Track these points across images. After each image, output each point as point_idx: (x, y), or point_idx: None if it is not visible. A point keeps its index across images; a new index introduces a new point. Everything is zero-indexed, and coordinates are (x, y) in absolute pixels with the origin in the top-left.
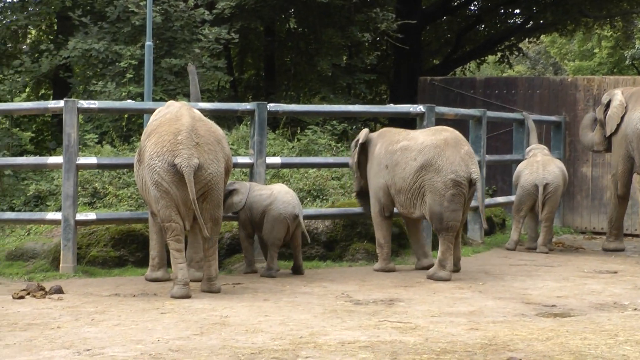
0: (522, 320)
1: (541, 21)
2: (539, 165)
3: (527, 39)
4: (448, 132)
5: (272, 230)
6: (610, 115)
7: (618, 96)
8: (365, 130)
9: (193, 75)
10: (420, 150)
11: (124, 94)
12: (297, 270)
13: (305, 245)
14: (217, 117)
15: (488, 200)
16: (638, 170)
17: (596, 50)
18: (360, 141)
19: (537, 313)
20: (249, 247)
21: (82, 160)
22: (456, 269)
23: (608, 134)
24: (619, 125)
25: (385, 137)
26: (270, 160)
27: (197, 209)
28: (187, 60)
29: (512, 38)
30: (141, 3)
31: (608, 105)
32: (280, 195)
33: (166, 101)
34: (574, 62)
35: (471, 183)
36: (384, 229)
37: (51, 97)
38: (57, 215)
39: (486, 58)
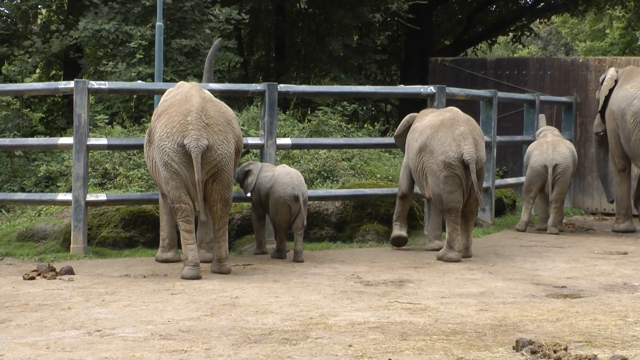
0: (532, 301)
1: (552, 1)
2: (548, 146)
3: (538, 20)
4: (449, 113)
5: (276, 212)
6: (600, 90)
7: (609, 73)
8: (411, 114)
9: (215, 49)
10: (421, 131)
11: (134, 74)
12: (295, 256)
13: (313, 227)
14: (228, 97)
15: (498, 182)
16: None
17: (608, 31)
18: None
19: (547, 294)
20: (260, 229)
21: (93, 141)
22: (466, 254)
23: (599, 109)
24: (607, 100)
25: (416, 118)
26: (280, 141)
27: (199, 191)
28: (198, 40)
29: (524, 18)
30: None
31: (601, 83)
32: (280, 177)
33: (176, 82)
34: (585, 42)
35: (465, 164)
36: (401, 206)
37: (62, 77)
38: (68, 196)
39: (497, 38)
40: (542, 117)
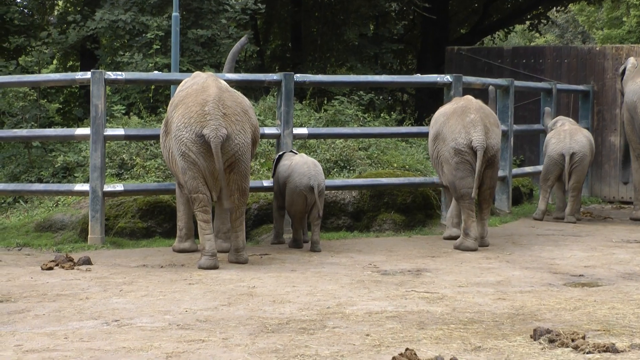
0: (549, 290)
1: None
2: (566, 134)
3: (555, 8)
4: (462, 101)
5: (292, 202)
6: (623, 80)
7: (630, 62)
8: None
9: (240, 46)
10: (436, 120)
11: (150, 65)
12: (312, 246)
13: (330, 217)
14: (244, 87)
15: (515, 170)
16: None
17: (625, 19)
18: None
19: (565, 283)
20: (278, 218)
21: (110, 131)
22: (482, 243)
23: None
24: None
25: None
26: (297, 130)
27: (223, 180)
28: (214, 31)
29: (540, 7)
30: None
31: (623, 73)
32: (297, 167)
33: (193, 72)
34: (602, 30)
35: (474, 151)
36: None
37: (78, 68)
38: (85, 187)
39: (514, 27)
40: (547, 111)
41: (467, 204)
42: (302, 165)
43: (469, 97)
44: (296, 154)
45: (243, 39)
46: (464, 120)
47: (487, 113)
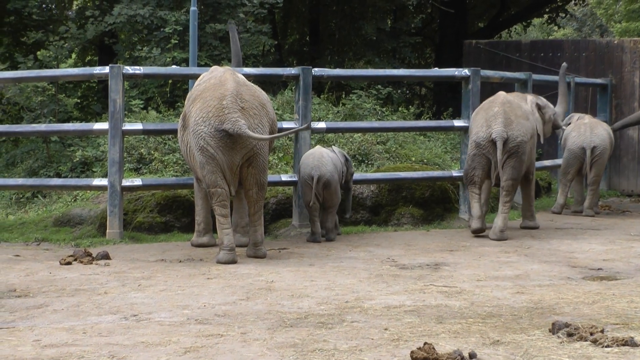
0: (568, 284)
1: None
2: (586, 128)
3: (573, 1)
4: (495, 96)
5: (302, 194)
6: None
7: None
8: None
9: (233, 32)
10: (471, 117)
11: (168, 59)
12: (325, 235)
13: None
14: (262, 82)
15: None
16: None
17: None
18: None
19: (584, 276)
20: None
21: (128, 126)
22: (501, 237)
23: None
24: None
25: None
26: (315, 125)
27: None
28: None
29: (558, 0)
30: None
31: None
32: (305, 159)
33: (211, 66)
34: (620, 23)
35: (493, 143)
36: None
37: (97, 63)
38: (104, 182)
39: (532, 20)
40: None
41: (470, 187)
42: (308, 157)
43: (501, 92)
44: (331, 148)
45: (231, 26)
46: (487, 114)
47: (513, 107)
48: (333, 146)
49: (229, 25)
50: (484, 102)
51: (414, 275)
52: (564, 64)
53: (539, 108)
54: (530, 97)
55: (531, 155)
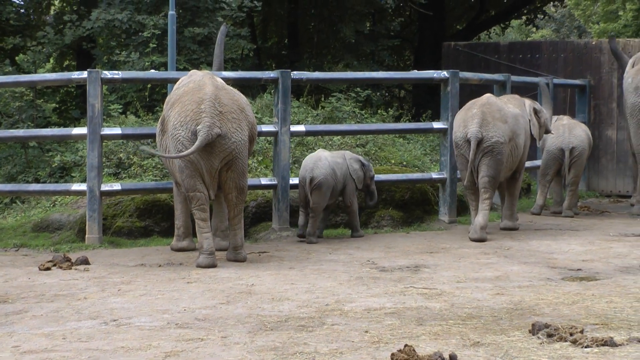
0: (547, 285)
1: None
2: (565, 129)
3: (551, 2)
4: (480, 98)
5: (298, 195)
6: None
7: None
8: None
9: (222, 35)
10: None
11: (147, 63)
12: (306, 237)
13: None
14: (241, 85)
15: None
16: None
17: (621, 13)
18: None
19: (563, 277)
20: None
21: (107, 130)
22: (479, 235)
23: None
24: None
25: None
26: (294, 128)
27: (158, 154)
28: (211, 29)
29: (537, 1)
30: None
31: None
32: (304, 162)
33: (189, 70)
34: (598, 24)
35: (469, 143)
36: None
37: (75, 68)
38: (82, 187)
39: (510, 22)
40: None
41: (467, 194)
42: (307, 159)
43: (487, 95)
44: (342, 153)
45: (222, 27)
46: (467, 114)
47: (494, 109)
48: (346, 151)
49: (221, 27)
50: (467, 103)
51: (394, 278)
52: (542, 80)
53: (535, 112)
54: (529, 102)
55: (522, 157)
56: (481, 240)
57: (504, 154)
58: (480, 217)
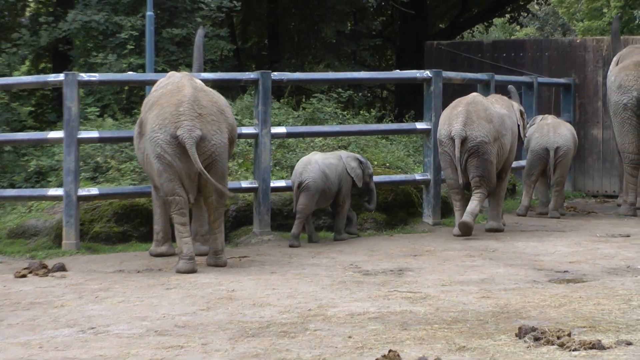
0: (534, 287)
1: None
2: (549, 128)
3: (535, 0)
4: (466, 96)
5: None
6: None
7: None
8: None
9: (200, 37)
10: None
11: (125, 65)
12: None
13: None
14: (221, 87)
15: None
16: None
17: (605, 10)
18: None
19: (550, 279)
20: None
21: (84, 134)
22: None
23: None
24: None
25: None
26: (275, 130)
27: (209, 180)
28: (189, 30)
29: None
30: None
31: None
32: (296, 166)
33: (168, 72)
34: (582, 22)
35: (453, 141)
36: None
37: (51, 70)
38: (59, 191)
39: (493, 20)
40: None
41: (451, 193)
42: (298, 163)
43: (473, 94)
44: (338, 154)
45: (200, 29)
46: (452, 112)
47: (479, 108)
48: (342, 151)
49: (200, 29)
50: (454, 101)
51: (377, 282)
52: (511, 87)
53: (521, 114)
54: (517, 105)
55: (508, 158)
56: (467, 225)
57: (491, 154)
58: (472, 205)
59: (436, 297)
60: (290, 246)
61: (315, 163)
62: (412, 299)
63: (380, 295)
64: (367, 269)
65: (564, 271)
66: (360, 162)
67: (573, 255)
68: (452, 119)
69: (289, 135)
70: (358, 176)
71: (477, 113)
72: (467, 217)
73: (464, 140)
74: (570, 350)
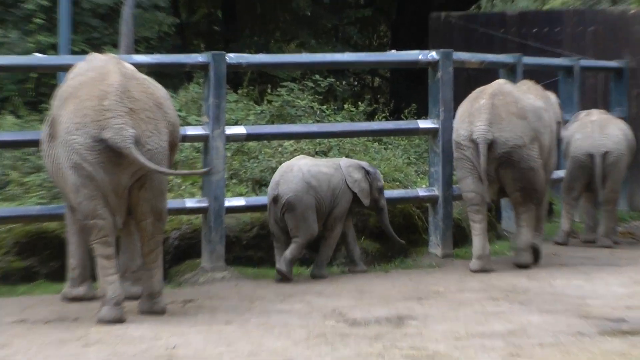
0: (579, 342)
1: None
2: (594, 127)
3: None
4: (489, 85)
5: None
6: None
7: None
8: None
9: (129, 8)
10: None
11: (31, 45)
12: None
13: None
14: (159, 73)
15: None
16: None
17: None
18: None
19: (600, 331)
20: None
21: None
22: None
23: None
24: None
25: None
26: (231, 130)
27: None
28: None
29: None
30: None
31: None
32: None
33: (89, 54)
34: None
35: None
36: None
37: None
38: None
39: None
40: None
41: (470, 211)
42: (275, 171)
43: (498, 81)
44: (337, 162)
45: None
46: (473, 105)
47: (508, 100)
48: (342, 158)
49: None
50: (474, 91)
51: (369, 334)
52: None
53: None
54: (554, 96)
55: (547, 164)
56: (524, 264)
57: (531, 159)
58: (519, 232)
59: (448, 356)
60: (278, 271)
61: (299, 171)
62: (416, 358)
63: (373, 353)
64: (354, 317)
65: (620, 320)
66: (367, 173)
67: (631, 297)
68: (474, 116)
69: (249, 137)
70: (364, 191)
71: (508, 107)
72: (522, 256)
73: (491, 145)
74: None
